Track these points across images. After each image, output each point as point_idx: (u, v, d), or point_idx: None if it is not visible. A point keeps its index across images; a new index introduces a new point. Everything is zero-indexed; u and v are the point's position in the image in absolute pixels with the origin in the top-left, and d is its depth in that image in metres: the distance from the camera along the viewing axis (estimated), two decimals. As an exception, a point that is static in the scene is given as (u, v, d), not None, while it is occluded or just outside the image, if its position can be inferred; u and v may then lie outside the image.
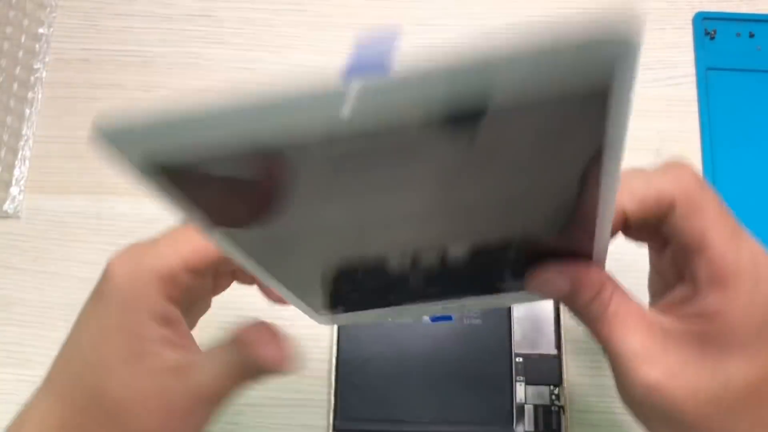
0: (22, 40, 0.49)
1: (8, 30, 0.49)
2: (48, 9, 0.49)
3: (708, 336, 0.25)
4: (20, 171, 0.46)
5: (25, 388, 0.42)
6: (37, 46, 0.48)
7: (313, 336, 0.43)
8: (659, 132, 0.46)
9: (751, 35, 0.48)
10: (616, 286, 0.26)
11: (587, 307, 0.26)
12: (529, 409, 0.40)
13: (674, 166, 0.27)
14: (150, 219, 0.45)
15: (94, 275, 0.44)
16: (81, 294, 0.44)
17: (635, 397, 0.25)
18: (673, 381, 0.25)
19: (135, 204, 0.45)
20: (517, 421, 0.40)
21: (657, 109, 0.47)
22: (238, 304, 0.43)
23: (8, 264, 0.44)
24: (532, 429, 0.40)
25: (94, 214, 0.45)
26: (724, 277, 0.25)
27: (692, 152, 0.46)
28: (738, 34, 0.48)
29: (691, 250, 0.26)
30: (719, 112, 0.46)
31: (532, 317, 0.42)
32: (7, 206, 0.45)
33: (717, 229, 0.25)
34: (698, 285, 0.26)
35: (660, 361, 0.25)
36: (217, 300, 0.44)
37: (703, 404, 0.25)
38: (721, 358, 0.25)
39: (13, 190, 0.45)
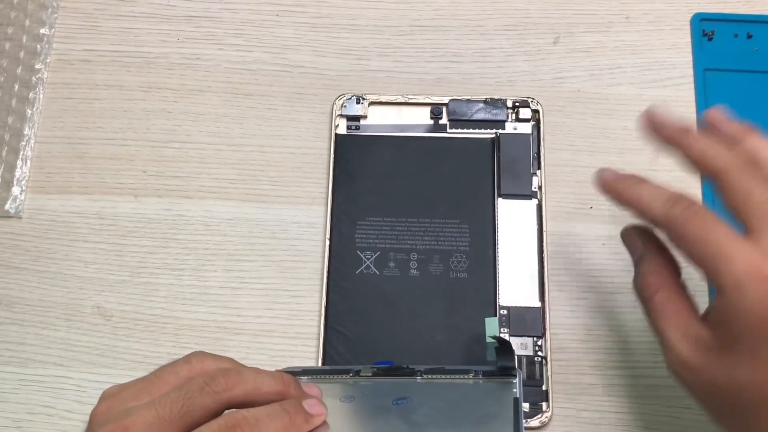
0: (24, 40, 0.49)
1: (9, 30, 0.49)
2: (49, 10, 0.49)
3: (723, 344, 0.29)
4: (22, 171, 0.46)
5: (25, 388, 0.42)
6: (38, 46, 0.49)
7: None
8: (657, 132, 0.47)
9: (749, 36, 0.48)
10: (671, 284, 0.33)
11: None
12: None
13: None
14: (151, 219, 0.45)
15: (95, 275, 0.44)
16: (82, 294, 0.44)
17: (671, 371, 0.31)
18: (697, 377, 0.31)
19: (136, 204, 0.46)
20: None
21: (655, 109, 0.47)
22: (237, 304, 0.44)
23: (10, 263, 0.45)
24: None
25: (95, 214, 0.46)
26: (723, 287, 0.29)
27: (690, 153, 0.46)
28: (736, 35, 0.48)
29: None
30: (717, 112, 0.47)
31: (517, 271, 0.43)
32: (9, 206, 0.45)
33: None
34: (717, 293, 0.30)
35: (690, 360, 0.31)
36: (216, 300, 0.44)
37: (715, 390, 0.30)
38: (732, 364, 0.29)
39: (15, 190, 0.46)
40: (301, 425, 0.31)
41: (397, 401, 0.35)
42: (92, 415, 0.31)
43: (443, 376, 0.37)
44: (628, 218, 0.45)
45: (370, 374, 0.37)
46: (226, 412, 0.30)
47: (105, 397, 0.32)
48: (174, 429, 0.29)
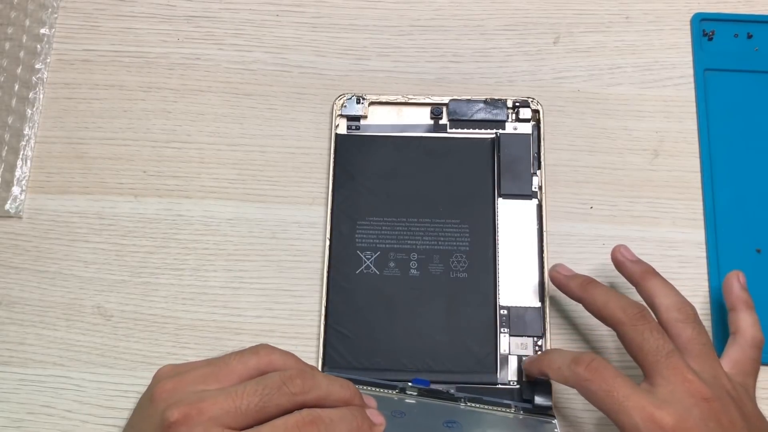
0: (24, 40, 0.49)
1: (10, 30, 0.49)
2: (49, 10, 0.49)
3: None
4: (22, 171, 0.46)
5: (25, 388, 0.42)
6: (38, 46, 0.49)
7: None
8: (657, 132, 0.47)
9: (749, 36, 0.48)
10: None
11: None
12: (512, 360, 0.42)
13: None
14: (151, 219, 0.45)
15: (95, 275, 0.44)
16: (82, 294, 0.44)
17: None
18: None
19: (136, 204, 0.46)
20: (500, 371, 0.41)
21: (655, 110, 0.47)
22: (237, 304, 0.44)
23: (10, 263, 0.45)
24: (515, 378, 0.41)
25: (95, 213, 0.46)
26: None
27: (690, 153, 0.46)
28: (736, 35, 0.48)
29: None
30: (717, 112, 0.47)
31: (518, 271, 0.43)
32: (9, 206, 0.45)
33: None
34: None
35: None
36: (216, 300, 0.44)
37: None
38: None
39: (15, 189, 0.46)
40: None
41: (448, 423, 0.37)
42: (155, 393, 0.32)
43: (485, 406, 0.39)
44: (628, 219, 0.45)
45: (416, 393, 0.39)
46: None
47: (164, 376, 0.33)
48: (248, 421, 0.30)
